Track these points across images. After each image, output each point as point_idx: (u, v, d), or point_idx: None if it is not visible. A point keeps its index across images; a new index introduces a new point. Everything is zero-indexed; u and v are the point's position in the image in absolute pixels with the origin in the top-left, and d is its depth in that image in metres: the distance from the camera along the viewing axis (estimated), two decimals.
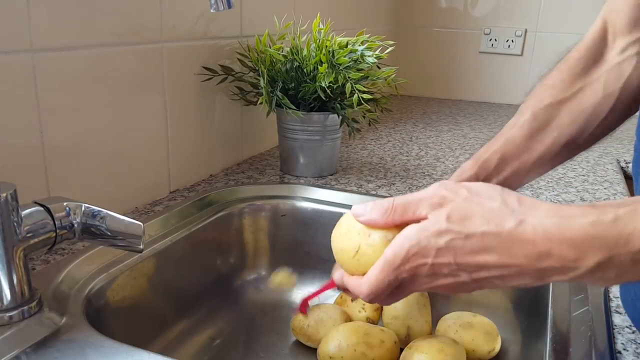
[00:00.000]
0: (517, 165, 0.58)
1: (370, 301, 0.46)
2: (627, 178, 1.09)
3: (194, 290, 0.76)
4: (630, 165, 1.15)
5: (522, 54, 1.74)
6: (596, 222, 0.38)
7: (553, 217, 0.39)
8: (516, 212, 0.40)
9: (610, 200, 0.40)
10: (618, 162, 1.15)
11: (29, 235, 0.49)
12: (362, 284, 0.45)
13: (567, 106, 0.57)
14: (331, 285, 0.53)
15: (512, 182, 0.59)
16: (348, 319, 0.72)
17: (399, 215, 0.45)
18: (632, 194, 0.97)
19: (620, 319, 0.55)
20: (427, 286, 0.44)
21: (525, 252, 0.40)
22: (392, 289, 0.45)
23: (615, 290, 0.60)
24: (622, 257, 0.37)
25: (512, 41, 1.73)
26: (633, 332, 0.53)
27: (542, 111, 0.58)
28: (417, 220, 0.44)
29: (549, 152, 0.58)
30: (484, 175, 0.58)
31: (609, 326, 0.54)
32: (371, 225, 0.46)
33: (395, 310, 0.71)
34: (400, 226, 0.44)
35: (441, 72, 1.87)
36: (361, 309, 0.73)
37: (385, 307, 0.73)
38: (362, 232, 0.46)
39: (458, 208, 0.42)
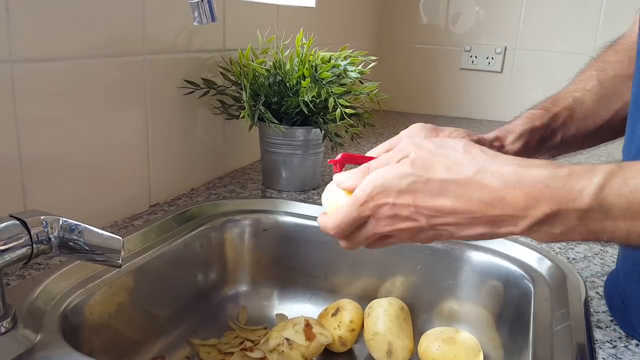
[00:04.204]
0: (581, 126, 0.59)
1: (335, 235, 0.49)
2: None
3: (174, 306, 0.75)
4: None
5: (501, 71, 1.77)
6: (551, 174, 0.40)
7: (512, 165, 0.42)
8: (477, 160, 0.43)
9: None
10: None
11: (3, 249, 0.48)
12: (329, 219, 0.49)
13: (630, 83, 0.57)
14: (367, 159, 0.53)
15: (570, 145, 0.59)
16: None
17: None
18: None
19: (601, 334, 0.55)
20: (389, 228, 0.47)
21: (481, 197, 0.42)
22: (355, 226, 0.48)
23: (595, 305, 0.61)
24: (569, 214, 0.39)
25: (492, 58, 1.76)
26: (614, 347, 0.53)
27: (608, 81, 0.58)
28: None
29: (611, 122, 0.58)
30: (552, 128, 0.59)
31: (590, 341, 0.54)
32: (353, 189, 0.49)
33: (375, 326, 0.71)
34: None
35: (423, 88, 1.89)
36: (337, 327, 0.74)
37: (365, 324, 0.73)
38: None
39: (422, 157, 0.45)
